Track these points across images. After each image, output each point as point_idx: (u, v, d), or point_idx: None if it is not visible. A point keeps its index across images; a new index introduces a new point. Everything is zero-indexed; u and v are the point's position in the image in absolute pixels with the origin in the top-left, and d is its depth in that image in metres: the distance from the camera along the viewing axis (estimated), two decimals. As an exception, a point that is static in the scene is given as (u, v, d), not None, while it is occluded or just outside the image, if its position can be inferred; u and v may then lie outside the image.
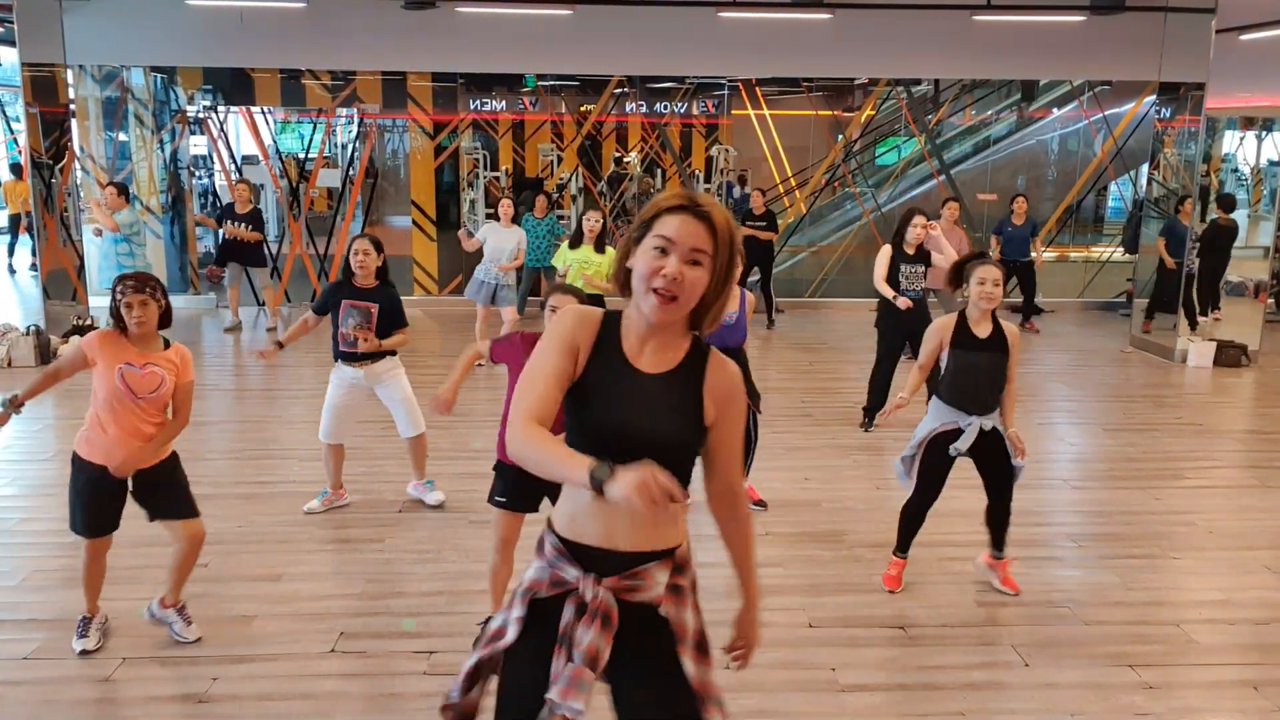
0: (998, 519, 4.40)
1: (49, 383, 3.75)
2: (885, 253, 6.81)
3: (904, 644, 4.02)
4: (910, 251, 6.74)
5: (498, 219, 8.86)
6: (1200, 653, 4.00)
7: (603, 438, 1.96)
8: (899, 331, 6.85)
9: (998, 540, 4.45)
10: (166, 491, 3.76)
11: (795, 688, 3.67)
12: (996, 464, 4.31)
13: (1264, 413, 7.93)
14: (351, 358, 5.11)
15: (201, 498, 3.91)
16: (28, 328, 8.75)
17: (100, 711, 3.51)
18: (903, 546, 4.49)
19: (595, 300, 7.23)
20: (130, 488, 3.73)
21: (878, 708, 3.56)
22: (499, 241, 8.65)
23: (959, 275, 4.32)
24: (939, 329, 4.34)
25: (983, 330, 4.24)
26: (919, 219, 6.72)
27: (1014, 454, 4.27)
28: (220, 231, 10.17)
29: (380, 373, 5.19)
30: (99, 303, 9.96)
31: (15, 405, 3.70)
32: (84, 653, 3.79)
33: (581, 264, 7.41)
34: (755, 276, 10.92)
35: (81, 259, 10.30)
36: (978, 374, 4.22)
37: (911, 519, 4.45)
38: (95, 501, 3.71)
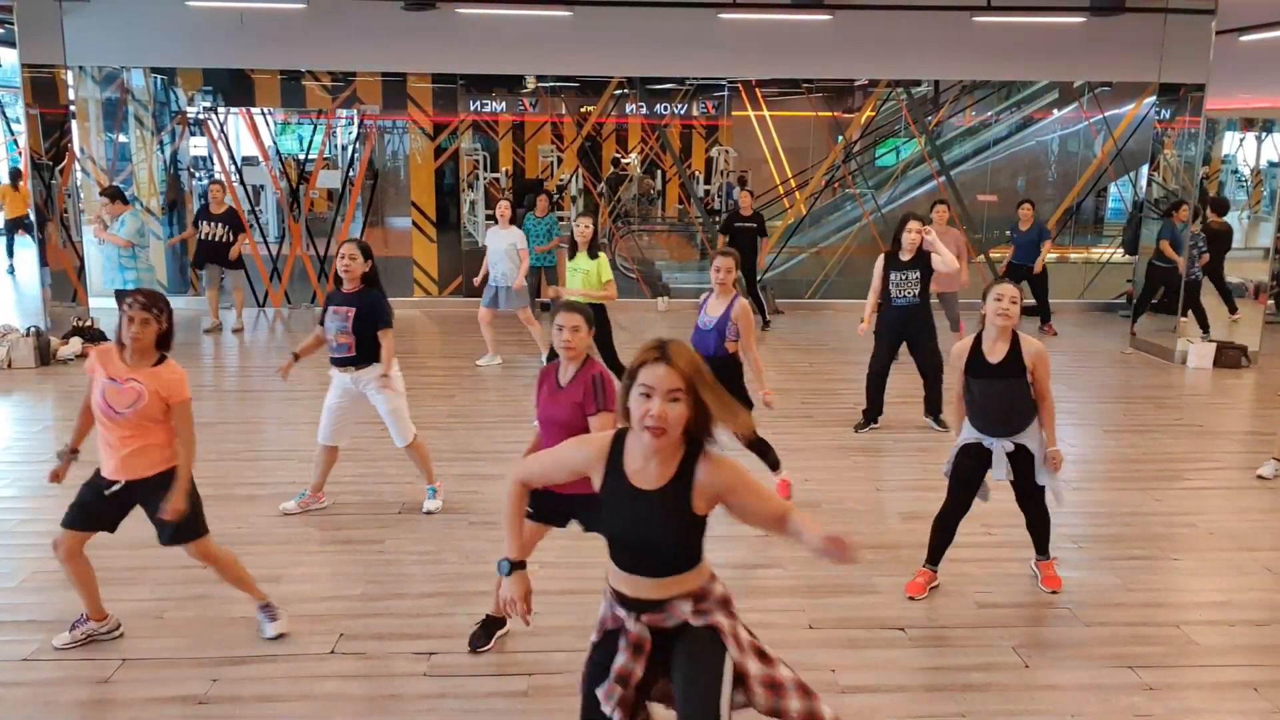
0: (1033, 528, 4.49)
1: (86, 419, 3.73)
2: (879, 262, 6.87)
3: (904, 645, 4.02)
4: (905, 258, 6.73)
5: (496, 221, 8.94)
6: (1200, 654, 4.00)
7: (611, 539, 2.56)
8: (889, 335, 6.93)
9: (1039, 546, 4.54)
10: (157, 512, 3.71)
11: (795, 689, 3.67)
12: (1024, 479, 4.34)
13: (1264, 414, 7.91)
14: (336, 361, 5.13)
15: (203, 498, 3.90)
16: (27, 329, 8.75)
17: (100, 712, 3.51)
18: (931, 559, 4.47)
19: (596, 311, 7.21)
20: (124, 500, 3.72)
21: (878, 708, 3.56)
22: (495, 243, 8.76)
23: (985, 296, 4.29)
24: (954, 356, 4.34)
25: (997, 353, 4.19)
26: (913, 224, 6.71)
27: (1044, 467, 4.26)
28: (199, 234, 10.15)
29: (365, 380, 5.15)
30: (99, 304, 9.96)
31: (71, 452, 3.70)
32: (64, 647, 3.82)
33: (572, 271, 7.41)
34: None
35: (82, 260, 10.29)
36: (992, 399, 4.22)
37: (937, 528, 4.44)
38: (82, 497, 3.73)
